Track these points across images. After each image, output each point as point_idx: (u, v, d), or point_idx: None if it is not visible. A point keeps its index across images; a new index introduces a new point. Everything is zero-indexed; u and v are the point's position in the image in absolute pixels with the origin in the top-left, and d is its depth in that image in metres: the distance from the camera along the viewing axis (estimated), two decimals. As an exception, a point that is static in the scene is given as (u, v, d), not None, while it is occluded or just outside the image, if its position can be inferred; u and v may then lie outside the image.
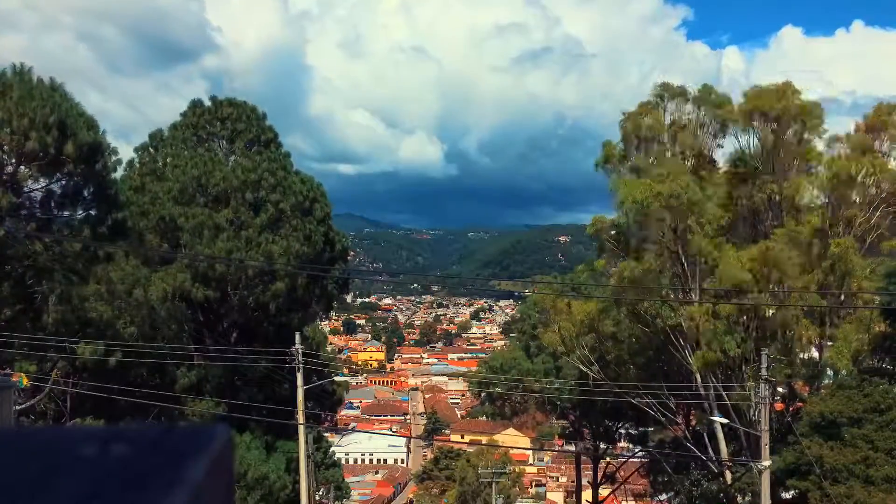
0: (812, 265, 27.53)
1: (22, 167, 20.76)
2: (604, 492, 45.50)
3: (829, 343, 28.60)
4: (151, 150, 30.50)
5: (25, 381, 18.04)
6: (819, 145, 29.78)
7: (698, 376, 27.70)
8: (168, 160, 29.74)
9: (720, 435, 28.67)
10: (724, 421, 26.58)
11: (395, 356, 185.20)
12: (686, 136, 30.14)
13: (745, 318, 27.49)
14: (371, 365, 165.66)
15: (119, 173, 24.99)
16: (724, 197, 28.97)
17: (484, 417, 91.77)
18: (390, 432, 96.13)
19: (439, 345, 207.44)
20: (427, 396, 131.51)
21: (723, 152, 31.44)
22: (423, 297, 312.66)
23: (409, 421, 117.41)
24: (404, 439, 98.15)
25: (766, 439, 22.45)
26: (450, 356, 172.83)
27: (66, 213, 22.57)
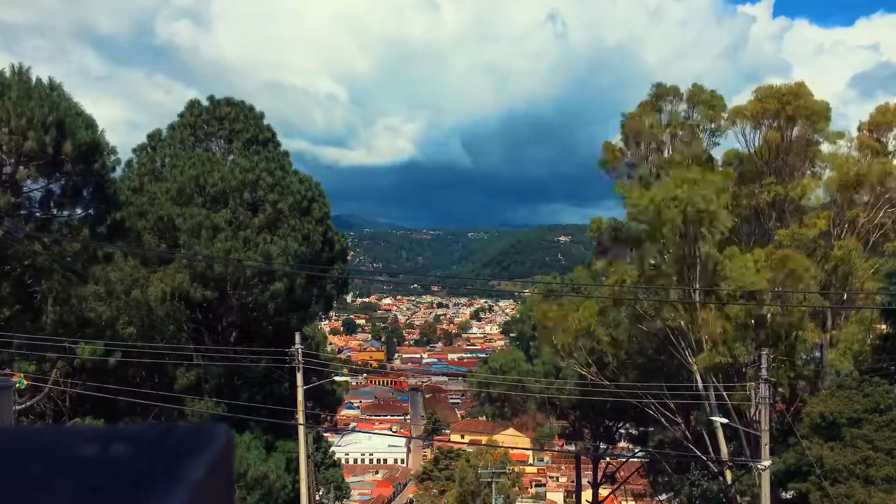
0: (817, 266, 27.54)
1: (21, 167, 20.74)
2: (604, 492, 45.51)
3: (831, 344, 28.62)
4: (150, 150, 30.51)
5: (25, 382, 18.03)
6: (825, 146, 29.74)
7: (699, 377, 27.69)
8: (166, 160, 29.74)
9: (720, 435, 28.67)
10: (725, 421, 26.57)
11: (395, 356, 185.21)
12: (684, 136, 30.17)
13: (751, 321, 27.45)
14: (371, 365, 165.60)
15: (118, 173, 25.01)
16: (727, 197, 28.96)
17: (484, 418, 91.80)
18: (390, 432, 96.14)
19: (439, 345, 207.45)
20: (427, 396, 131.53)
21: (721, 151, 31.49)
22: (423, 297, 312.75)
23: (408, 420, 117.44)
24: (404, 439, 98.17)
25: (766, 439, 22.44)
26: (450, 356, 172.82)
27: (64, 213, 22.56)
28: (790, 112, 28.23)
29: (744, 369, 27.30)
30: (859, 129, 29.64)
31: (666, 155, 30.17)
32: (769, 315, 27.19)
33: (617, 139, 31.65)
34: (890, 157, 29.13)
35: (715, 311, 27.07)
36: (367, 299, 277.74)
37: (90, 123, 21.98)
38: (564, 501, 69.78)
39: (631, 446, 44.98)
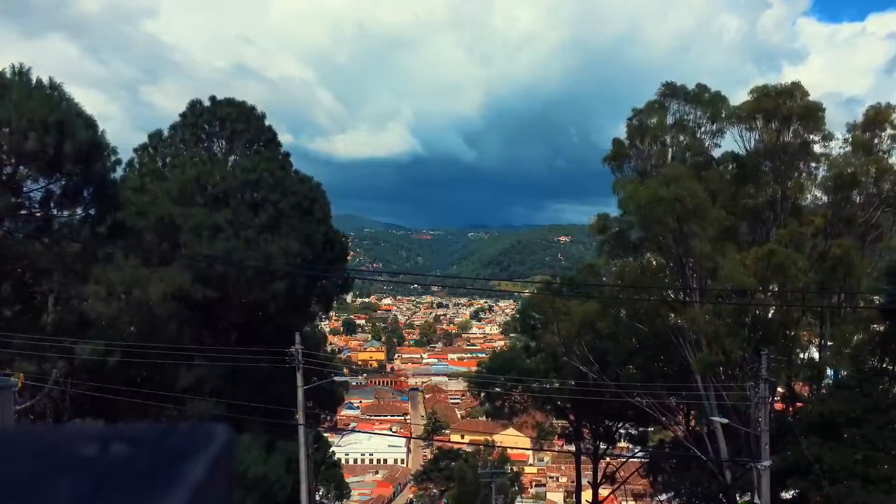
0: (813, 266, 27.54)
1: (21, 167, 20.74)
2: (604, 492, 45.46)
3: (830, 343, 28.62)
4: (151, 150, 30.51)
5: (20, 381, 18.03)
6: (820, 146, 29.77)
7: (698, 376, 27.70)
8: (167, 160, 29.76)
9: (720, 435, 28.66)
10: (725, 421, 26.57)
11: (395, 356, 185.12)
12: (687, 135, 30.18)
13: (746, 318, 27.47)
14: (371, 365, 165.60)
15: (118, 173, 25.01)
16: (726, 198, 28.95)
17: (484, 417, 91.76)
18: (390, 432, 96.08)
19: (439, 345, 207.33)
20: (427, 396, 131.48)
21: (721, 150, 31.46)
22: (423, 297, 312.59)
23: (408, 421, 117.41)
24: (404, 439, 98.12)
25: (765, 439, 22.45)
26: (450, 356, 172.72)
27: (65, 213, 22.57)
28: (785, 112, 28.28)
29: (738, 369, 27.30)
30: (852, 129, 29.62)
31: (669, 155, 30.17)
32: (761, 313, 27.19)
33: (623, 137, 31.62)
34: (884, 155, 29.16)
35: (706, 308, 27.09)
36: (367, 299, 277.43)
37: (91, 124, 21.98)
38: (564, 501, 69.75)
39: (631, 446, 44.97)
